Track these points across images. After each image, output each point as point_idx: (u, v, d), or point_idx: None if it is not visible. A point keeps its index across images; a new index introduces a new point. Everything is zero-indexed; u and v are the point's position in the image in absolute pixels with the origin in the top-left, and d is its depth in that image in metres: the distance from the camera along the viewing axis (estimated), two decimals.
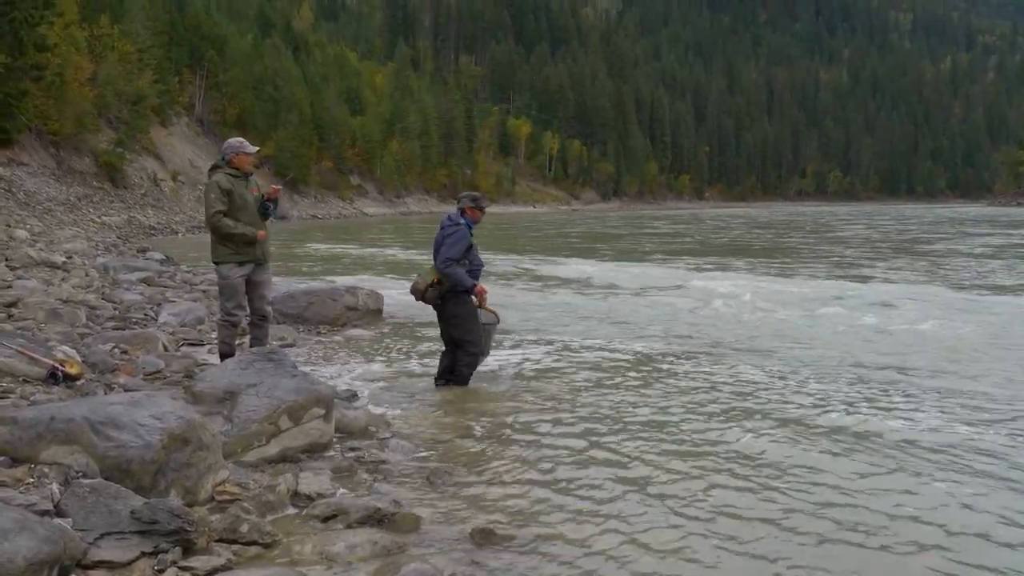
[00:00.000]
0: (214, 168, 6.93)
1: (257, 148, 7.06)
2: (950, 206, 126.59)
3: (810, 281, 16.92)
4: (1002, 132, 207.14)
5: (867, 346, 9.30)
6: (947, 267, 20.52)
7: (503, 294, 12.89)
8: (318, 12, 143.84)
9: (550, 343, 9.29)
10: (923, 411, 6.33)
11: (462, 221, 7.02)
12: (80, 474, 3.71)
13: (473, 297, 7.01)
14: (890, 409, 6.40)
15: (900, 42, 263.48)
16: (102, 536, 3.33)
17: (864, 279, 17.32)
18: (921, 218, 62.89)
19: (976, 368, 8.06)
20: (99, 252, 21.03)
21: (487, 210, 7.36)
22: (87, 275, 14.13)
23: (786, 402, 6.62)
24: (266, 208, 6.96)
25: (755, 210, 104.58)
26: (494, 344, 7.64)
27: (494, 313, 7.26)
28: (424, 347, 9.10)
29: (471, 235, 7.03)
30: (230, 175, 6.80)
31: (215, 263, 6.95)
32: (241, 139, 7.06)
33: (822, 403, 6.57)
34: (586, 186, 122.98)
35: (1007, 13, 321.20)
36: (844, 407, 6.42)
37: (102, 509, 3.42)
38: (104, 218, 33.20)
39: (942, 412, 6.30)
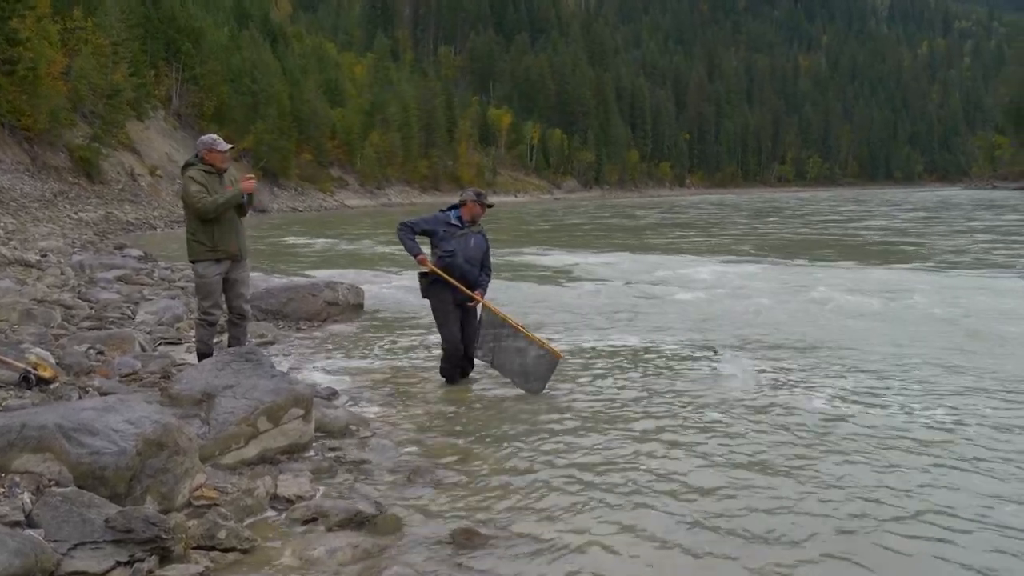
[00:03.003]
0: (187, 165, 6.84)
1: (231, 146, 6.96)
2: (929, 190, 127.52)
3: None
4: (978, 116, 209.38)
5: None
6: None
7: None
8: (296, 3, 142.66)
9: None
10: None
11: (450, 212, 7.13)
12: (52, 483, 3.63)
13: (475, 295, 7.02)
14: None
15: (878, 28, 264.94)
16: (76, 546, 3.26)
17: None
18: (922, 202, 62.82)
19: None
20: (75, 250, 20.80)
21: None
22: (62, 273, 13.97)
23: (786, 402, 6.61)
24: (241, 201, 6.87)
25: (737, 196, 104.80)
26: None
27: (506, 320, 7.04)
28: (405, 342, 9.04)
29: (451, 225, 7.04)
30: (204, 171, 6.71)
31: (191, 261, 6.85)
32: (215, 136, 6.96)
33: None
34: (567, 175, 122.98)
35: None
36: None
37: (75, 518, 3.35)
38: (80, 214, 32.83)
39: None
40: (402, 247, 7.06)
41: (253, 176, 7.04)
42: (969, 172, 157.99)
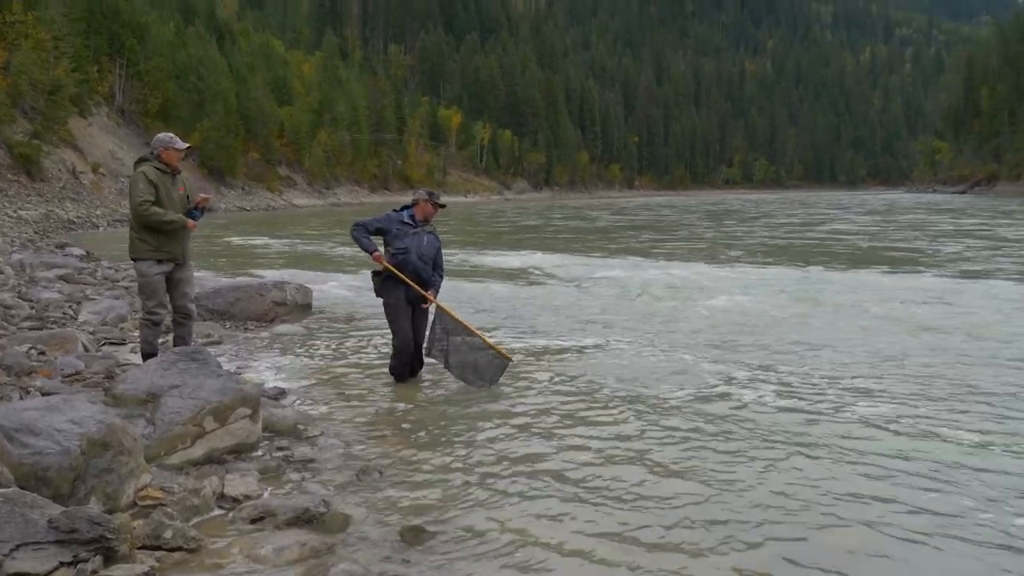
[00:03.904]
0: (142, 160, 6.78)
1: (187, 145, 6.93)
2: (873, 193, 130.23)
3: None
4: (919, 122, 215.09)
5: None
6: None
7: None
8: (243, 0, 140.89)
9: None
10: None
11: (403, 212, 7.21)
12: None
13: (427, 296, 7.07)
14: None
15: (822, 34, 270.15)
16: (17, 547, 3.22)
17: None
18: (871, 205, 63.34)
19: None
20: (14, 248, 20.30)
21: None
22: (1, 273, 13.64)
23: (724, 395, 6.73)
24: (193, 215, 6.84)
25: (685, 198, 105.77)
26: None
27: (458, 321, 7.05)
28: (353, 342, 9.01)
29: (404, 223, 7.10)
30: (158, 169, 6.66)
31: (133, 259, 6.79)
32: (172, 134, 6.95)
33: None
34: (517, 176, 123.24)
35: (923, 6, 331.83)
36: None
37: (17, 519, 3.30)
38: (20, 212, 32.02)
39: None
40: (356, 246, 7.12)
41: (209, 195, 7.08)
42: (911, 176, 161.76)
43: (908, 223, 35.52)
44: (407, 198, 7.36)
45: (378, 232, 7.11)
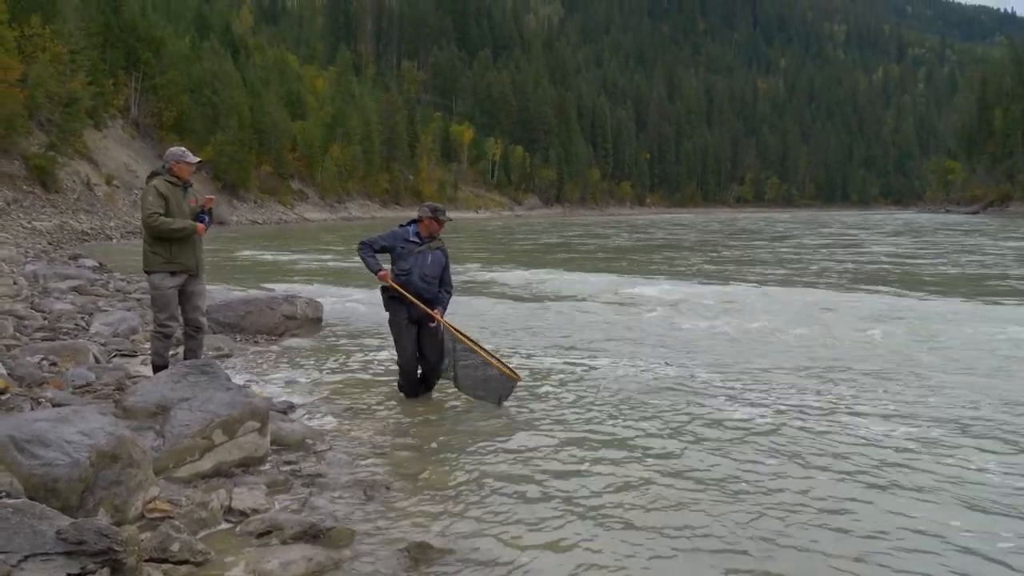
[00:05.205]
0: (153, 174, 6.86)
1: (199, 159, 7.00)
2: (886, 213, 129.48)
3: None
4: (931, 142, 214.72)
5: None
6: None
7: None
8: (258, 15, 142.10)
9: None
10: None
11: (409, 227, 7.15)
12: (3, 494, 3.59)
13: (434, 313, 7.00)
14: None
15: (834, 53, 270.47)
16: (26, 558, 3.23)
17: None
18: (889, 225, 62.04)
19: None
20: (28, 259, 20.45)
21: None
22: (15, 283, 13.73)
23: (722, 410, 6.71)
24: (201, 219, 6.90)
25: (696, 216, 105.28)
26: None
27: (466, 340, 7.00)
28: (363, 356, 9.02)
29: (409, 242, 7.06)
30: (169, 182, 6.74)
31: (146, 272, 6.84)
32: (184, 148, 7.04)
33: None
34: (529, 192, 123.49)
35: (936, 27, 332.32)
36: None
37: (26, 530, 3.31)
38: (34, 223, 32.31)
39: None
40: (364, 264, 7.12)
41: (214, 196, 7.12)
42: (923, 196, 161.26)
43: (955, 246, 31.95)
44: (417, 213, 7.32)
45: (384, 250, 7.09)
